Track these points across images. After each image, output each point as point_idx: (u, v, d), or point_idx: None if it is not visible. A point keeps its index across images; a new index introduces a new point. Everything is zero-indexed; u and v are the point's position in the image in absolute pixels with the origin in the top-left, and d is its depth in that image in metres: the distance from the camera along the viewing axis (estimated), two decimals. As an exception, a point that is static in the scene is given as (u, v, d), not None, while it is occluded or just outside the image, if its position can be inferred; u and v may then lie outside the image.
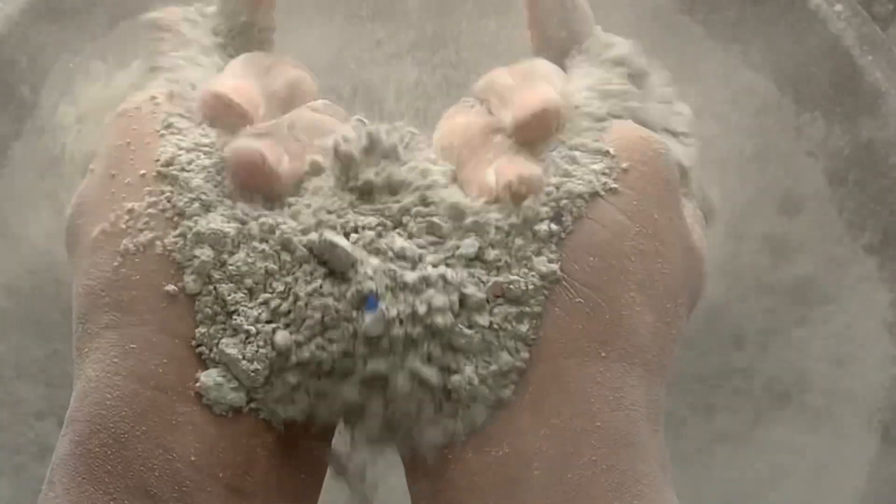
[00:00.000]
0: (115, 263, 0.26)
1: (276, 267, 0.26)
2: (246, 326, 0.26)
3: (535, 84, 0.29)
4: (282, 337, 0.26)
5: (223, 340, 0.26)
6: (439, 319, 0.25)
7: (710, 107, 0.41)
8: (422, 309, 0.25)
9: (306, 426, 0.27)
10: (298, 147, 0.28)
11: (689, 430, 0.41)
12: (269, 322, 0.26)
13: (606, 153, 0.28)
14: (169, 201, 0.27)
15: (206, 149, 0.28)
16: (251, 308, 0.26)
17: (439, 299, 0.26)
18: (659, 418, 0.27)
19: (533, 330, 0.26)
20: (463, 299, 0.26)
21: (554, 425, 0.25)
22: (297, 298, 0.26)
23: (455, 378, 0.26)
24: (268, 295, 0.26)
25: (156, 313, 0.26)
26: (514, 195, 0.27)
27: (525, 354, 0.26)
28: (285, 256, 0.26)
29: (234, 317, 0.26)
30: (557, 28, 0.31)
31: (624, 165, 0.27)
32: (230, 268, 0.26)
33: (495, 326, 0.26)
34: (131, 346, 0.26)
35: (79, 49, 0.41)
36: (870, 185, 0.39)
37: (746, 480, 0.40)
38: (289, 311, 0.26)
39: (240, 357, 0.26)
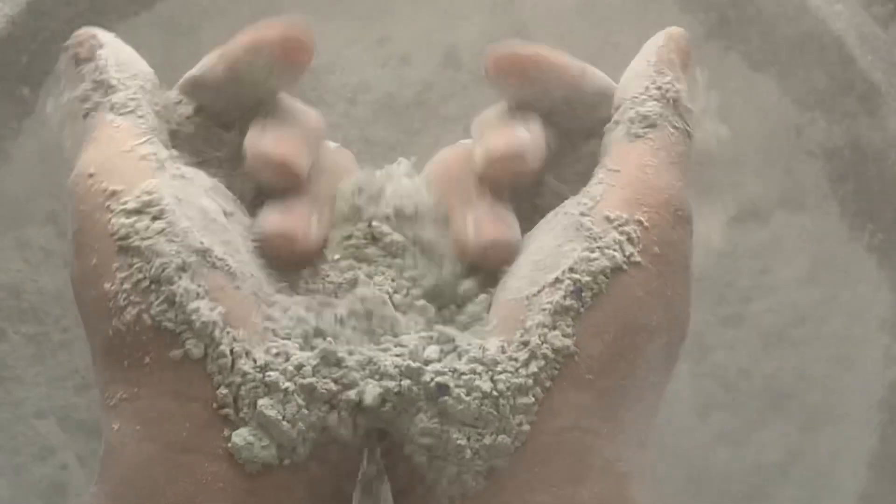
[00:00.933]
0: (115, 342, 0.26)
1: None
2: (283, 384, 0.25)
3: (510, 124, 0.29)
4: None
5: (260, 402, 0.25)
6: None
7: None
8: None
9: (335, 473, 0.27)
10: (324, 198, 0.29)
11: (691, 431, 0.41)
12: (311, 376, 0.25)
13: (627, 221, 0.27)
14: (140, 271, 0.26)
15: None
16: (286, 363, 0.26)
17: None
18: (649, 441, 0.27)
19: (538, 404, 0.25)
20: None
21: (552, 492, 0.25)
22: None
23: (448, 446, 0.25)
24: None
25: (167, 383, 0.25)
26: (490, 260, 0.27)
27: (526, 427, 0.25)
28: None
29: (269, 373, 0.25)
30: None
31: (645, 234, 0.27)
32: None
33: (495, 393, 0.25)
34: (151, 415, 0.25)
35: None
36: (870, 184, 0.39)
37: (746, 480, 0.40)
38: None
39: (279, 418, 0.25)
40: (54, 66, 0.41)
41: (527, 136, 0.28)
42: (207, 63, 0.30)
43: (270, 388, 0.25)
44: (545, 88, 0.29)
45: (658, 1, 0.43)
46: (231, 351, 0.25)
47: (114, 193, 0.27)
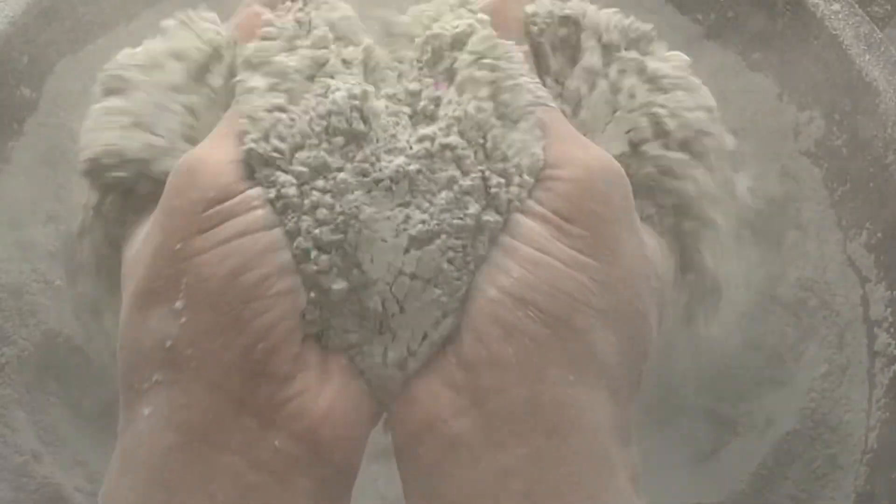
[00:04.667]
0: (168, 322, 0.27)
1: None
2: None
3: None
4: None
5: None
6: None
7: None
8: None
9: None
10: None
11: (692, 432, 0.41)
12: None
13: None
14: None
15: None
16: None
17: None
18: (627, 433, 0.28)
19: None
20: None
21: (530, 444, 0.26)
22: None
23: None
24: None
25: (205, 370, 0.26)
26: None
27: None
28: None
29: None
30: None
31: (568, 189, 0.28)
32: None
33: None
34: (181, 401, 0.26)
35: (79, 49, 0.41)
36: (869, 184, 0.39)
37: (747, 480, 0.40)
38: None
39: None
40: (54, 67, 0.41)
41: None
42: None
43: None
44: None
45: (657, 1, 0.43)
46: None
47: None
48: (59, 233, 0.40)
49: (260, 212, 0.27)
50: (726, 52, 0.42)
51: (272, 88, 0.28)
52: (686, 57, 0.32)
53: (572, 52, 0.32)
